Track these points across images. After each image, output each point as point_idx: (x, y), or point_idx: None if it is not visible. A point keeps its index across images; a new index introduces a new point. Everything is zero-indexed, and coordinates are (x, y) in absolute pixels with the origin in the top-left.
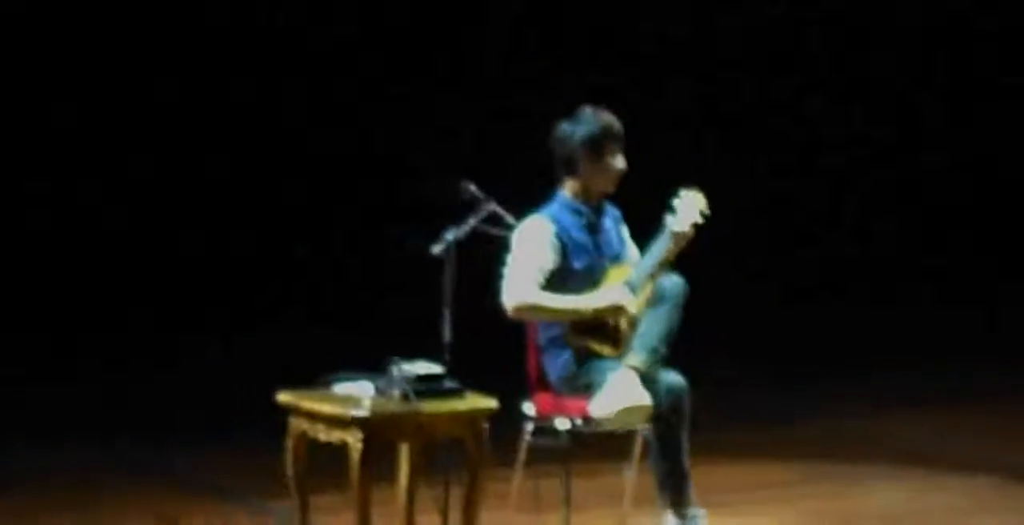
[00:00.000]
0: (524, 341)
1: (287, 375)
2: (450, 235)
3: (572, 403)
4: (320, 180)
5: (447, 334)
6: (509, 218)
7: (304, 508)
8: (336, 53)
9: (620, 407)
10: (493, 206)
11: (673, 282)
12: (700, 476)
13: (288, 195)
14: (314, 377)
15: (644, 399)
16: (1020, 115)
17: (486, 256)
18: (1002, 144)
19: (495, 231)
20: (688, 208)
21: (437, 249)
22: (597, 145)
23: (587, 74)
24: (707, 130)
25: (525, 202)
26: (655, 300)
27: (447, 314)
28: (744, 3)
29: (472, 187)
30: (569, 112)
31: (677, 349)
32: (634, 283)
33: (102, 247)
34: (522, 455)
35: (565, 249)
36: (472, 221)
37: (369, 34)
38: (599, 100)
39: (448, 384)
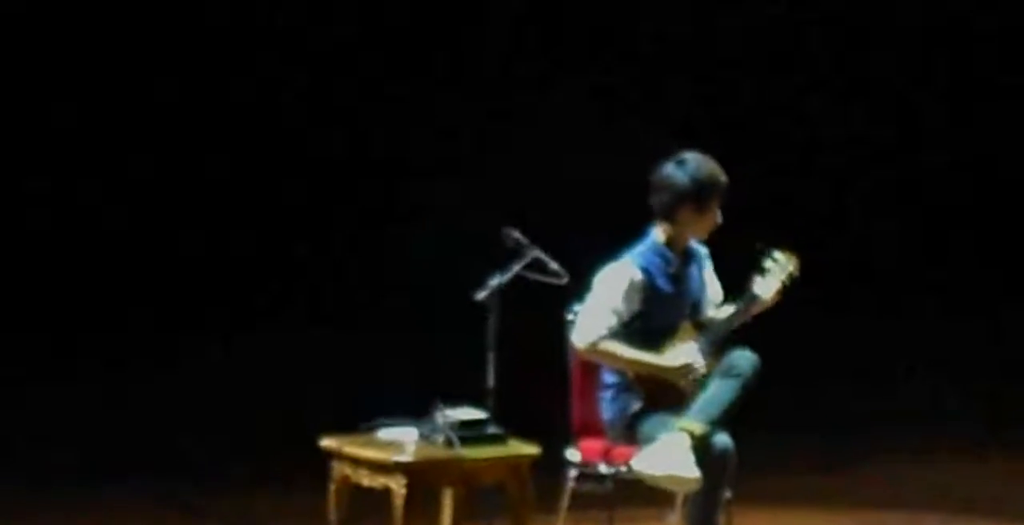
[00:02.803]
0: (568, 387)
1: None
2: (494, 281)
3: (618, 450)
4: (320, 180)
5: (491, 380)
6: (553, 264)
7: None
8: (336, 53)
9: (666, 473)
10: (537, 253)
11: (748, 359)
12: (743, 522)
13: (288, 195)
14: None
15: (692, 472)
16: (1020, 115)
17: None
18: (1002, 144)
19: (538, 277)
20: (778, 270)
21: (481, 295)
22: (702, 197)
23: (587, 74)
24: (707, 130)
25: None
26: (727, 371)
27: (491, 359)
28: (744, 3)
29: (516, 234)
30: (569, 112)
31: None
32: (708, 342)
33: (102, 247)
34: (565, 501)
35: (646, 298)
36: (516, 268)
37: (369, 34)
38: (599, 100)
39: (491, 430)
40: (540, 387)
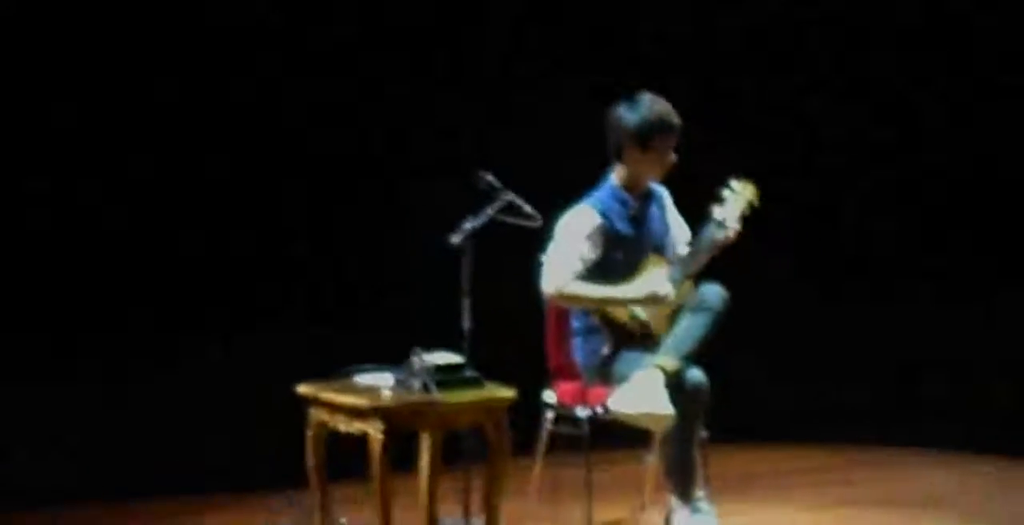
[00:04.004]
0: (543, 330)
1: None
2: (468, 225)
3: (594, 392)
4: (320, 180)
5: (466, 323)
6: (527, 208)
7: (324, 499)
8: (336, 53)
9: (641, 411)
10: (510, 196)
11: (716, 292)
12: (726, 462)
13: (288, 195)
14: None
15: (667, 409)
16: (1020, 115)
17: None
18: (1002, 144)
19: (513, 221)
20: (737, 199)
21: (456, 239)
22: (646, 137)
23: (587, 74)
24: (706, 130)
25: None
26: (696, 306)
27: (466, 304)
28: (744, 3)
29: (489, 177)
30: (569, 112)
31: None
32: (676, 274)
33: (102, 247)
34: (542, 444)
35: (608, 241)
36: (490, 211)
37: (369, 34)
38: (599, 100)
39: (468, 374)
40: (515, 330)
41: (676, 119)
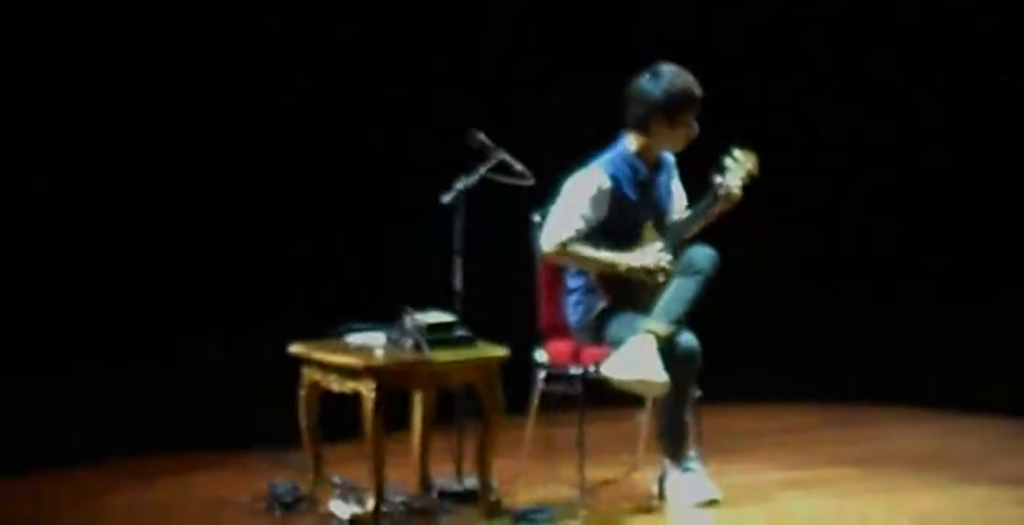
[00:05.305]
0: (535, 290)
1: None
2: (460, 184)
3: (586, 351)
4: (320, 180)
5: (458, 283)
6: (518, 166)
7: (317, 458)
8: (336, 53)
9: (634, 378)
10: (502, 154)
11: (705, 254)
12: (713, 421)
13: (288, 195)
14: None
15: (660, 375)
16: (1020, 115)
17: None
18: (1002, 144)
19: (504, 179)
20: (737, 168)
21: (448, 198)
22: (673, 109)
23: (587, 74)
24: (706, 130)
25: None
26: (686, 269)
27: (458, 263)
28: (744, 3)
29: (481, 135)
30: (569, 112)
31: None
32: (672, 240)
33: (102, 247)
34: (535, 402)
35: (613, 205)
36: (482, 170)
37: (369, 34)
38: (599, 100)
39: (460, 333)
40: (507, 289)
41: (699, 89)
